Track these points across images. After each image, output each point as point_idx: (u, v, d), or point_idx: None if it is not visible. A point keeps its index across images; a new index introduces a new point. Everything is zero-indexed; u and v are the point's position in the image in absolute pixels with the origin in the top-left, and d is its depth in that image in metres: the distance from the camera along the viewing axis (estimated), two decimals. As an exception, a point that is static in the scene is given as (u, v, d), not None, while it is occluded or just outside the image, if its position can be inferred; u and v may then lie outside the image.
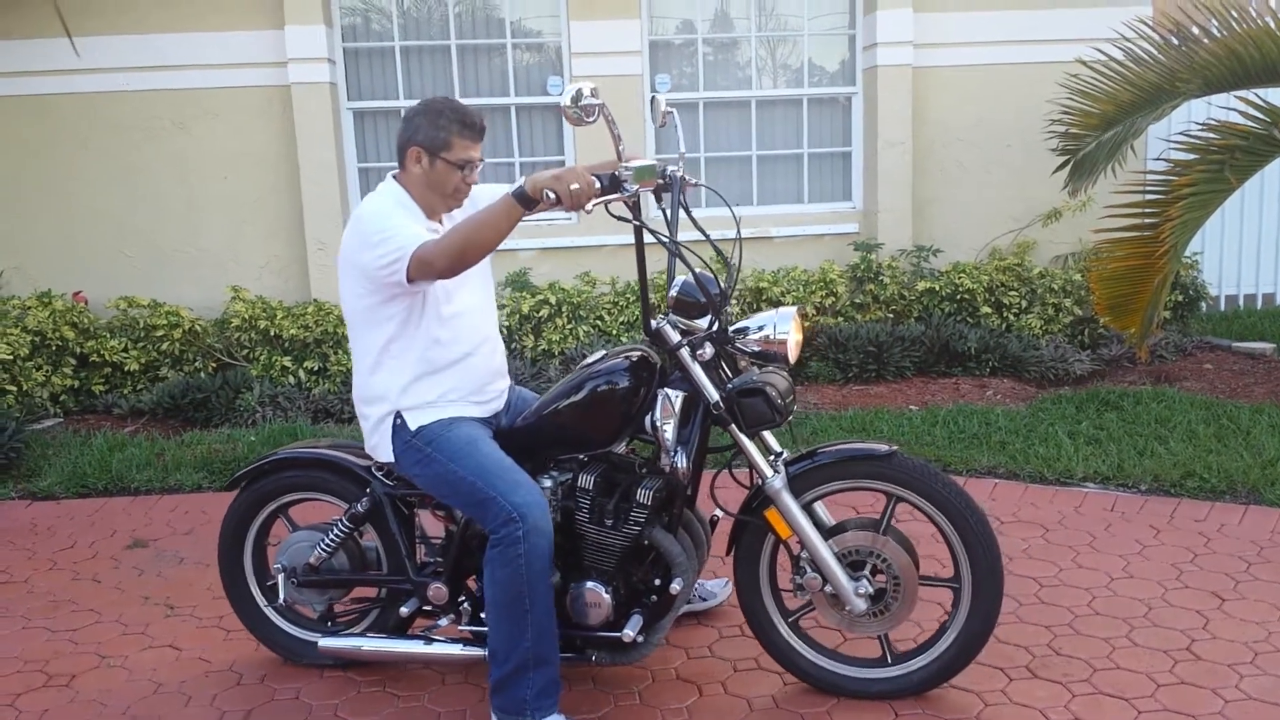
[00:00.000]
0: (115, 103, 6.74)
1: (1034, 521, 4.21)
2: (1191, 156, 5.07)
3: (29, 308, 6.22)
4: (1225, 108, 5.23)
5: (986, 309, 6.75)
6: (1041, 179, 6.81)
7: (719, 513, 3.01)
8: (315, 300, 6.72)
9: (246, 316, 6.42)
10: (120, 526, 4.54)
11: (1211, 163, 4.94)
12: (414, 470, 2.82)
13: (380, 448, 2.87)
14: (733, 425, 2.75)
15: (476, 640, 2.94)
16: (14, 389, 5.88)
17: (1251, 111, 4.94)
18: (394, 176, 2.85)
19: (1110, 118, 5.88)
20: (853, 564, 2.83)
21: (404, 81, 7.06)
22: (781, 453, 2.90)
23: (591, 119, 2.55)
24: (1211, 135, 5.05)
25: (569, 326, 6.49)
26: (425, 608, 3.01)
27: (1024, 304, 6.78)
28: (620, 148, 2.69)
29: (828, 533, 2.87)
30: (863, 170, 7.36)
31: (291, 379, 6.27)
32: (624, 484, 2.82)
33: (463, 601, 2.98)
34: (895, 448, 2.80)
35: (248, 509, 3.23)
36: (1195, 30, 5.38)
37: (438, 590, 2.96)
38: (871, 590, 2.81)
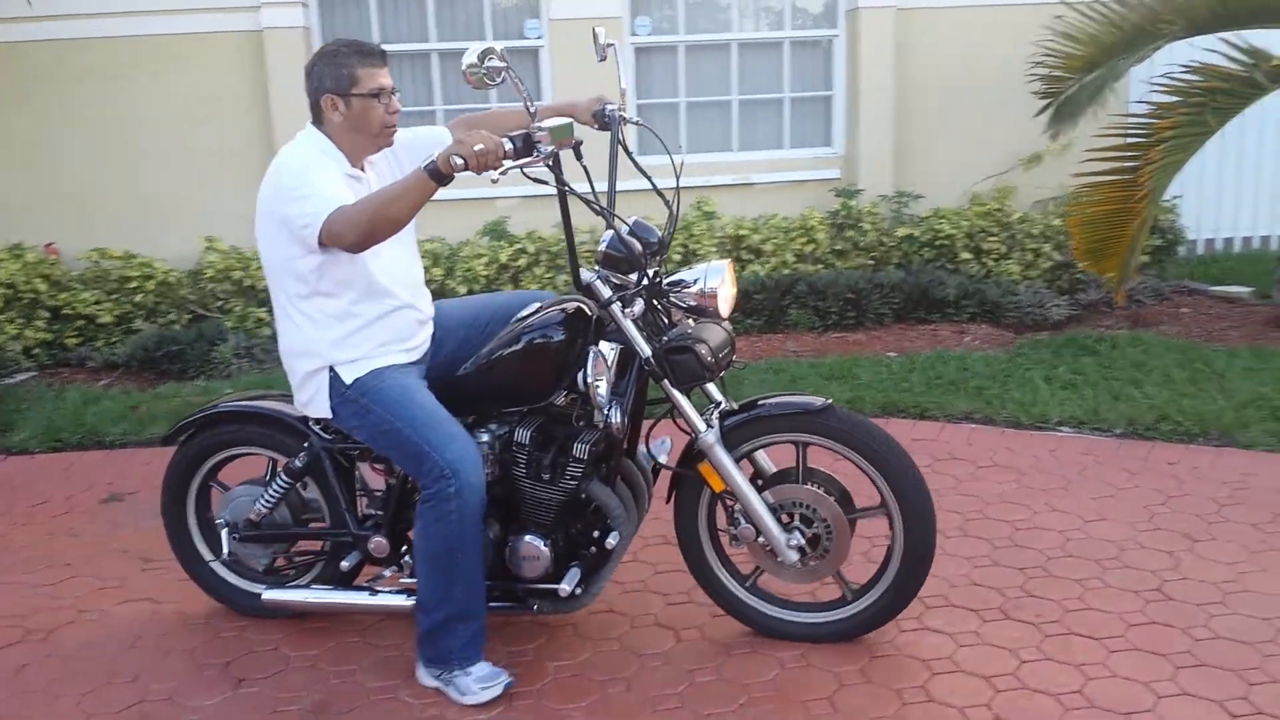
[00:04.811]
0: (84, 50, 6.57)
1: (1009, 466, 4.24)
2: (1173, 99, 5.02)
3: (0, 260, 6.12)
4: (1208, 49, 5.19)
5: (966, 255, 6.74)
6: (1024, 123, 6.74)
7: (662, 459, 3.01)
8: (291, 250, 6.64)
9: (221, 268, 6.35)
10: (96, 480, 4.52)
11: (1192, 105, 4.90)
12: (352, 423, 2.80)
13: (314, 403, 2.83)
14: (665, 381, 2.75)
15: None
16: (-14, 342, 5.82)
17: (1233, 53, 4.89)
18: (312, 124, 2.78)
19: (1092, 60, 5.81)
20: (792, 515, 2.83)
21: (379, 25, 6.92)
22: (720, 403, 2.88)
23: (496, 82, 2.49)
24: (1193, 78, 5.00)
25: (547, 275, 6.44)
26: (373, 560, 3.02)
27: (1003, 250, 6.76)
28: (530, 108, 2.62)
29: (769, 480, 2.88)
30: (844, 115, 7.29)
31: (266, 330, 6.20)
32: (560, 438, 2.81)
33: (405, 553, 2.99)
34: (830, 401, 2.79)
35: (189, 463, 3.21)
36: (1179, -30, 5.31)
37: (379, 543, 2.97)
38: (803, 541, 2.82)
